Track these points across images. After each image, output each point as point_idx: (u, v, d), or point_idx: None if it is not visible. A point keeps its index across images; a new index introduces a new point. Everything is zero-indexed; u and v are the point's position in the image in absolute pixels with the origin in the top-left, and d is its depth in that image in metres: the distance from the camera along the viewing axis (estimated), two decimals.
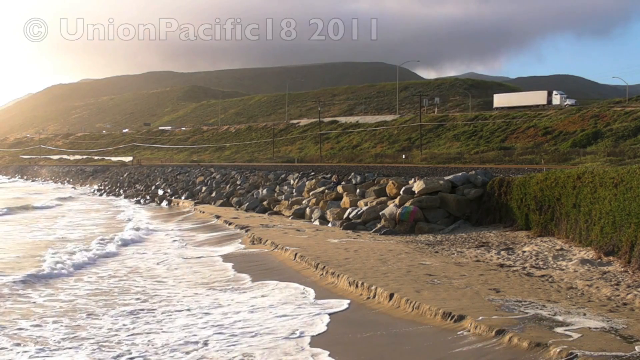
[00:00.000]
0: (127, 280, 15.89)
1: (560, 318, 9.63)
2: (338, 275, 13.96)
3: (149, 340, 10.22)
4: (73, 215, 36.96)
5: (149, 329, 10.97)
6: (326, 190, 29.12)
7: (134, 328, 11.01)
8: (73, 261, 18.10)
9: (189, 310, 12.29)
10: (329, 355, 9.27)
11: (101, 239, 23.26)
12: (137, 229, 26.78)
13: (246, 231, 23.45)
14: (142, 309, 12.43)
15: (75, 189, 76.47)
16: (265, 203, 32.56)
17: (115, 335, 10.59)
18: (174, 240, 23.80)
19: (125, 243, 22.78)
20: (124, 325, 11.23)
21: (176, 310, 12.28)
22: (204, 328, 10.88)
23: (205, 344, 9.97)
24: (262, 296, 13.37)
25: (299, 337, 10.17)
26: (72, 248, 21.08)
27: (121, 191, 60.61)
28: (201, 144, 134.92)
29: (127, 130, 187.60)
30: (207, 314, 11.94)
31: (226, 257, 18.88)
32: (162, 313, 12.09)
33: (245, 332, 10.54)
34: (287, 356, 9.28)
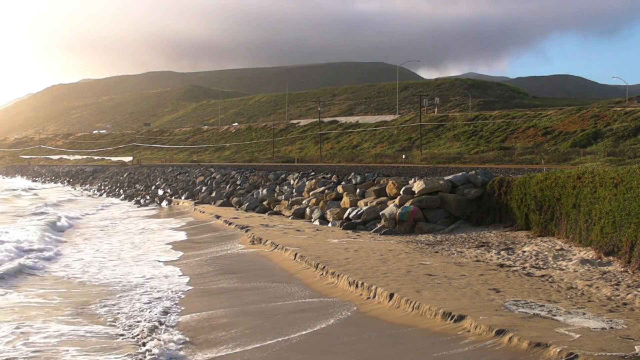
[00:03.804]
0: None
1: (560, 318, 9.63)
2: (338, 275, 13.96)
3: None
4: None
5: None
6: (326, 190, 29.10)
7: None
8: None
9: None
10: (330, 355, 9.27)
11: None
12: None
13: (246, 231, 23.44)
14: None
15: (75, 189, 76.46)
16: (265, 203, 32.55)
17: None
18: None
19: None
20: None
21: None
22: None
23: None
24: None
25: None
26: None
27: (121, 191, 60.61)
28: (201, 144, 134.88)
29: (104, 130, 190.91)
30: None
31: (219, 257, 18.88)
32: None
33: None
34: None
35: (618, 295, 11.08)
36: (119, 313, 12.42)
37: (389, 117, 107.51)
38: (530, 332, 8.85)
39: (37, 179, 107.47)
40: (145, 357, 9.60)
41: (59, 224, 30.54)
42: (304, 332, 10.54)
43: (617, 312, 10.00)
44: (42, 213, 37.26)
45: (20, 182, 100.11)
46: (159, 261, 19.24)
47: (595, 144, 61.52)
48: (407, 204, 21.72)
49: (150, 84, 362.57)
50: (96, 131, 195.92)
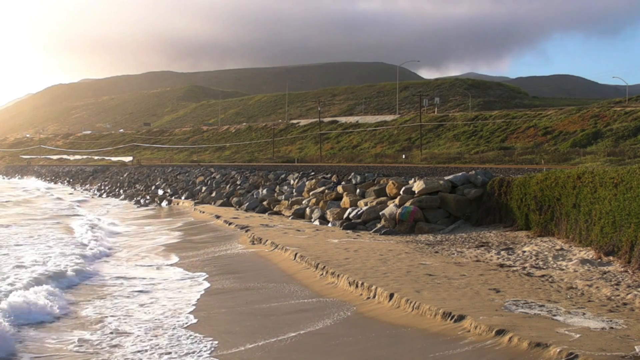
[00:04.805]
0: None
1: (560, 318, 9.62)
2: (338, 275, 13.95)
3: None
4: None
5: None
6: (326, 190, 29.10)
7: None
8: None
9: None
10: (329, 355, 9.27)
11: None
12: None
13: (246, 231, 23.43)
14: None
15: (75, 189, 76.44)
16: (265, 203, 32.53)
17: None
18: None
19: None
20: None
21: None
22: None
23: None
24: None
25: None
26: None
27: (121, 191, 60.61)
28: (201, 144, 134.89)
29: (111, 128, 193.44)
30: None
31: (219, 257, 18.88)
32: None
33: None
34: None
35: (618, 295, 11.07)
36: (106, 315, 12.38)
37: (389, 117, 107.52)
38: (530, 332, 8.84)
39: (37, 179, 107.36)
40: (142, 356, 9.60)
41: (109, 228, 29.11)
42: (302, 332, 10.54)
43: (617, 312, 9.99)
44: (76, 215, 37.45)
45: (29, 182, 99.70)
46: (158, 262, 19.23)
47: (595, 144, 61.52)
48: (407, 204, 21.71)
49: (150, 84, 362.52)
50: (89, 131, 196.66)
